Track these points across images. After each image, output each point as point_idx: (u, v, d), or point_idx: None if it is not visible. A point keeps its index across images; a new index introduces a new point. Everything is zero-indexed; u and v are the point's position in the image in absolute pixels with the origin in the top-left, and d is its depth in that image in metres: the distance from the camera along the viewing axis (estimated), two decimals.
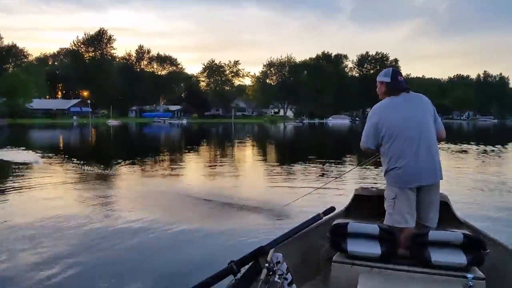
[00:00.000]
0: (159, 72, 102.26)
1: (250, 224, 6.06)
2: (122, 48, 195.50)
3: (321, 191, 8.49)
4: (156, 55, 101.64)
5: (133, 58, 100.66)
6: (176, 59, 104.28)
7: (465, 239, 2.62)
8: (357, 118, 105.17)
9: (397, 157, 3.06)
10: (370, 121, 3.19)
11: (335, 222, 2.98)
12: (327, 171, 12.61)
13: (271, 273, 2.41)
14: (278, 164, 15.37)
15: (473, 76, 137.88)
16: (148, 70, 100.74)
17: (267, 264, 2.44)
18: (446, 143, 22.78)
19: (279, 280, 2.40)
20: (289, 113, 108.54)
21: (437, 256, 2.61)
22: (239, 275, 2.30)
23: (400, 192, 3.07)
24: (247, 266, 2.45)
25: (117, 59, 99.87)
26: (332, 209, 2.98)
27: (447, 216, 3.43)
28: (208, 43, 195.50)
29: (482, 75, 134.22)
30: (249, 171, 13.13)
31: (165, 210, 6.92)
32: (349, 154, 18.10)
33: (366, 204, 4.05)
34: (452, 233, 2.73)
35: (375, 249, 2.75)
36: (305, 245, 3.40)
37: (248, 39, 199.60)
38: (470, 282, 2.45)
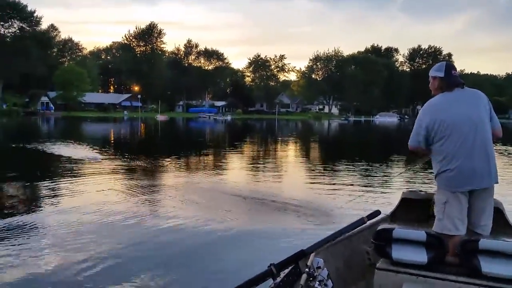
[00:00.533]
0: (206, 67, 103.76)
1: (292, 226, 6.01)
2: (170, 42, 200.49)
3: (367, 195, 8.33)
4: (203, 50, 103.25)
5: (181, 52, 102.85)
6: (222, 54, 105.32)
7: None
8: (406, 116, 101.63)
9: (450, 158, 2.88)
10: (421, 119, 3.02)
11: (380, 227, 2.88)
12: (373, 174, 12.26)
13: (311, 278, 2.37)
14: (322, 164, 15.20)
15: None
16: (195, 64, 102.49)
17: (307, 269, 2.38)
18: (503, 144, 21.59)
19: (319, 287, 2.36)
20: (334, 110, 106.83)
21: (488, 266, 2.48)
22: (278, 279, 2.27)
23: (452, 196, 2.89)
24: (287, 270, 2.41)
25: (167, 54, 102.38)
26: (377, 212, 2.88)
27: (501, 224, 3.25)
28: (253, 37, 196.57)
29: None
30: (292, 171, 13.02)
31: (211, 208, 7.01)
32: (397, 155, 17.51)
33: (414, 208, 3.91)
34: (506, 243, 2.57)
35: (421, 256, 2.64)
36: (348, 250, 3.31)
37: (294, 32, 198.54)
38: None
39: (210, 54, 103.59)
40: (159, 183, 9.72)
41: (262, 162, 14.84)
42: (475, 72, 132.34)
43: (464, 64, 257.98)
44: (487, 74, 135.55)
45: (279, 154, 19.16)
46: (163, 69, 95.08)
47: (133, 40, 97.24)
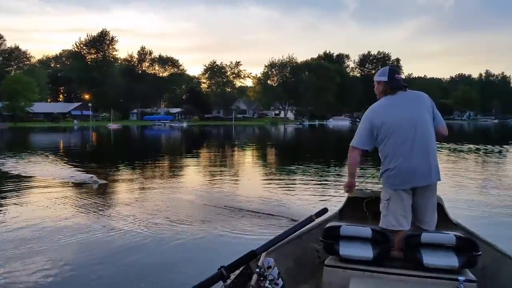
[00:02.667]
0: (161, 74, 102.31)
1: (246, 228, 6.05)
2: (123, 49, 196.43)
3: (318, 194, 8.56)
4: (158, 57, 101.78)
5: (135, 59, 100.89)
6: (177, 60, 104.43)
7: (458, 241, 2.59)
8: (357, 119, 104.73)
9: (390, 158, 2.98)
10: (364, 121, 3.11)
11: (328, 225, 2.94)
12: (325, 174, 12.58)
13: (262, 278, 2.39)
14: (276, 167, 15.40)
15: (475, 75, 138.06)
16: (149, 72, 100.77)
17: (258, 269, 2.41)
18: (446, 143, 22.77)
19: (269, 286, 2.38)
20: (290, 115, 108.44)
21: (429, 259, 2.59)
22: (228, 281, 2.22)
23: (394, 194, 3.00)
24: (237, 272, 2.41)
25: (119, 61, 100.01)
26: (324, 210, 2.83)
27: (440, 218, 3.38)
28: (209, 44, 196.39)
29: (484, 74, 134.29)
30: (248, 175, 13.07)
31: (167, 215, 6.90)
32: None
33: (360, 206, 4.00)
34: (445, 235, 2.69)
35: (367, 252, 2.72)
36: (298, 249, 3.37)
37: (249, 40, 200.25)
38: (461, 285, 2.44)
39: (165, 61, 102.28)
40: (112, 192, 9.45)
41: (218, 167, 14.81)
42: (422, 76, 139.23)
43: (412, 68, 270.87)
44: (434, 77, 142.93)
45: (236, 159, 19.18)
46: (116, 76, 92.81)
47: (84, 47, 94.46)
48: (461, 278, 2.47)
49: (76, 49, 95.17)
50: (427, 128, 2.97)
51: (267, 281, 2.37)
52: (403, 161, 2.93)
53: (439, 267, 2.57)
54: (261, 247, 2.37)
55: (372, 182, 4.86)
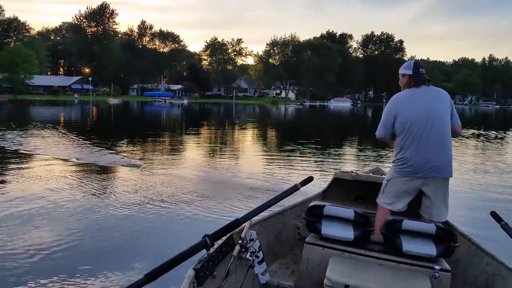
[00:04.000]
0: (161, 49, 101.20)
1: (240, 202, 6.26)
2: (123, 23, 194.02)
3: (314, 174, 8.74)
4: (158, 32, 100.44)
5: (135, 34, 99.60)
6: (178, 36, 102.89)
7: (438, 231, 2.64)
8: (359, 101, 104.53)
9: (406, 148, 3.10)
10: (387, 111, 3.22)
11: (312, 204, 2.97)
12: (323, 155, 12.75)
13: (243, 249, 2.46)
14: (275, 147, 15.57)
15: (479, 59, 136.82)
16: (150, 47, 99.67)
17: (240, 241, 2.47)
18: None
19: (250, 258, 2.45)
20: (291, 95, 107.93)
21: (409, 246, 2.63)
22: (212, 250, 2.29)
23: (396, 176, 3.17)
24: (221, 241, 2.47)
25: (119, 35, 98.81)
26: (310, 178, 2.88)
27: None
28: (210, 19, 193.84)
29: (487, 59, 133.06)
30: (246, 154, 13.23)
31: (165, 190, 7.08)
32: (349, 137, 18.20)
33: (345, 188, 4.16)
34: (426, 224, 2.74)
35: (348, 233, 2.75)
36: (279, 224, 3.46)
37: (251, 16, 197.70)
38: (436, 274, 2.51)
39: (166, 36, 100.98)
40: (111, 169, 9.60)
41: (218, 145, 14.96)
42: (425, 58, 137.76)
43: (414, 51, 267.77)
44: (436, 60, 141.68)
45: (236, 137, 19.29)
46: (116, 51, 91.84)
47: (83, 20, 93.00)
48: (437, 267, 2.53)
49: (76, 22, 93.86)
50: (444, 124, 3.07)
51: (248, 253, 2.46)
52: (418, 152, 3.05)
53: (417, 255, 2.62)
54: (246, 215, 2.41)
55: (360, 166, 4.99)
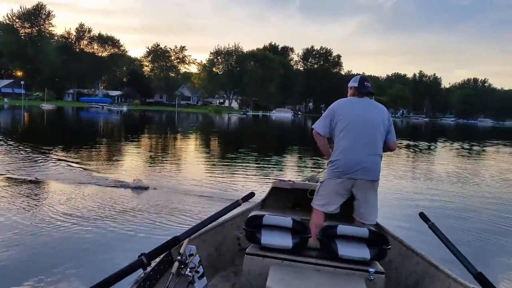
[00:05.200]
0: (100, 54, 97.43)
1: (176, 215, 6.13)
2: (61, 25, 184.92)
3: (254, 182, 8.88)
4: (97, 35, 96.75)
5: (72, 37, 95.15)
6: (118, 40, 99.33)
7: (370, 235, 2.73)
8: (299, 112, 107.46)
9: (340, 149, 3.30)
10: (328, 109, 3.46)
11: (251, 214, 2.98)
12: (264, 164, 12.95)
13: (182, 266, 2.39)
14: (217, 156, 15.55)
15: (410, 75, 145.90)
16: (88, 50, 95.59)
17: (179, 257, 2.42)
18: None
19: (190, 274, 2.39)
20: (234, 104, 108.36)
21: (344, 250, 2.70)
22: (148, 269, 2.21)
23: (328, 179, 3.34)
24: (158, 259, 2.39)
25: (56, 37, 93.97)
26: (251, 194, 2.92)
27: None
28: (153, 25, 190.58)
29: (418, 74, 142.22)
30: (187, 163, 13.10)
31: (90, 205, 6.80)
32: (290, 146, 18.62)
33: (283, 196, 4.25)
34: (359, 228, 2.84)
35: (287, 241, 2.78)
36: (220, 236, 3.44)
37: (196, 24, 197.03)
38: (371, 276, 2.59)
39: (105, 40, 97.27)
40: (38, 178, 9.10)
41: (157, 155, 14.67)
42: (361, 73, 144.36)
43: (351, 65, 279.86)
44: (371, 75, 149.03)
45: (177, 146, 19.00)
46: (51, 53, 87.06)
47: (16, 20, 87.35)
48: (371, 269, 2.62)
49: (7, 22, 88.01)
50: (376, 132, 3.32)
51: (188, 269, 2.38)
52: (349, 154, 3.26)
53: (352, 259, 2.69)
54: (185, 232, 2.36)
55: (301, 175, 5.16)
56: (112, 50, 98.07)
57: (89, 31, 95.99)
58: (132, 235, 5.23)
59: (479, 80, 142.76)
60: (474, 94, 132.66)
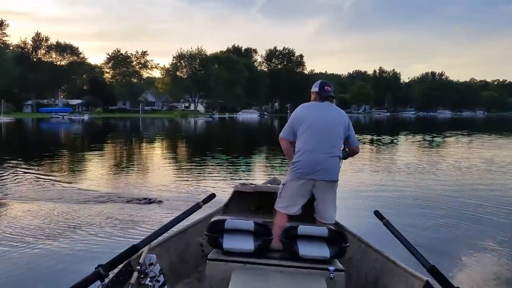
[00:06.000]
0: (59, 62, 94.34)
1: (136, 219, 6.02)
2: (16, 35, 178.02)
3: (220, 185, 8.92)
4: (55, 44, 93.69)
5: (29, 46, 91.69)
6: (77, 48, 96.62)
7: (330, 233, 2.79)
8: (265, 113, 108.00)
9: (302, 151, 3.40)
10: (292, 115, 3.62)
11: (213, 219, 2.97)
12: (230, 166, 12.99)
13: (142, 275, 2.33)
14: (182, 161, 15.45)
15: (370, 71, 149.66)
16: (46, 59, 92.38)
17: (138, 267, 2.36)
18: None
19: (150, 283, 2.33)
20: (200, 107, 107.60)
21: (304, 250, 2.74)
22: (107, 280, 2.13)
23: (290, 180, 3.44)
24: (117, 270, 2.32)
25: (11, 47, 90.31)
26: (212, 196, 2.89)
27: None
28: (112, 31, 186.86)
29: (378, 71, 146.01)
30: (151, 170, 12.95)
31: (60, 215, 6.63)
32: (257, 147, 18.73)
33: (246, 200, 4.28)
34: (319, 228, 2.91)
35: (249, 244, 2.78)
36: (181, 243, 3.41)
37: (157, 29, 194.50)
38: (331, 274, 2.64)
39: (63, 49, 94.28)
40: None
41: (122, 163, 14.42)
42: (323, 72, 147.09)
43: (314, 64, 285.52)
44: (333, 73, 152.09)
45: (142, 153, 18.72)
46: (7, 64, 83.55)
47: None
48: (331, 268, 2.67)
49: None
50: (335, 135, 3.47)
51: (148, 278, 2.32)
52: (309, 154, 3.37)
53: (313, 258, 2.74)
54: (144, 240, 2.30)
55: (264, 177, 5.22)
56: (71, 58, 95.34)
57: (46, 39, 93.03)
58: (93, 249, 5.03)
59: (437, 73, 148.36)
60: (433, 87, 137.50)
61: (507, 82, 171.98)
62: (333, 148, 3.42)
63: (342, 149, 3.64)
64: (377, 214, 3.14)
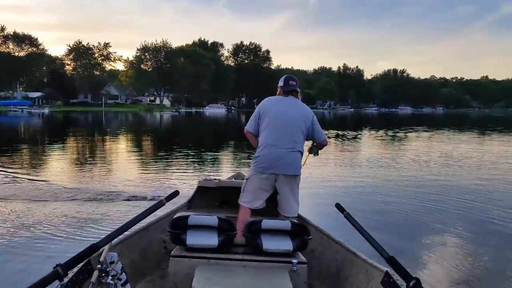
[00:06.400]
0: (17, 53, 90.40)
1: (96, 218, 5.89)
2: None
3: (185, 180, 8.84)
4: (12, 34, 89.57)
5: None
6: (36, 39, 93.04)
7: (293, 227, 2.83)
8: (232, 108, 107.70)
9: (263, 146, 3.42)
10: (256, 109, 3.63)
11: (176, 215, 2.95)
12: (195, 161, 12.90)
13: (103, 274, 2.30)
14: (145, 157, 15.20)
15: (335, 68, 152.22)
16: (2, 50, 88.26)
17: (99, 265, 2.32)
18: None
19: (112, 282, 2.30)
20: (166, 102, 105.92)
21: (268, 244, 2.78)
22: (66, 280, 2.09)
23: (253, 175, 3.45)
24: (76, 269, 2.28)
25: None
26: (175, 193, 2.85)
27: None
28: (74, 22, 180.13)
29: (342, 67, 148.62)
30: (110, 165, 12.67)
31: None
32: (225, 141, 18.64)
33: (210, 195, 4.26)
34: (282, 222, 2.94)
35: (212, 240, 2.78)
36: (145, 240, 3.38)
37: (120, 20, 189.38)
38: (294, 267, 2.69)
39: (21, 39, 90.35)
40: None
41: (83, 158, 14.00)
42: (290, 67, 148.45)
43: (280, 60, 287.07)
44: (300, 69, 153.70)
45: (104, 148, 18.25)
46: None
47: None
48: (294, 260, 2.72)
49: None
50: (297, 130, 3.46)
51: (109, 277, 2.30)
52: (270, 149, 3.39)
53: (276, 251, 2.78)
54: (104, 238, 2.27)
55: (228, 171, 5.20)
56: (30, 49, 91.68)
57: (3, 29, 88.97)
58: (51, 249, 4.82)
59: (399, 70, 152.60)
60: (394, 84, 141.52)
61: (464, 79, 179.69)
62: (294, 143, 3.43)
63: (313, 145, 3.72)
64: (338, 206, 3.21)
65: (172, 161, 12.87)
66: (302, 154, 3.51)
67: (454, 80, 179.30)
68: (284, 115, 3.47)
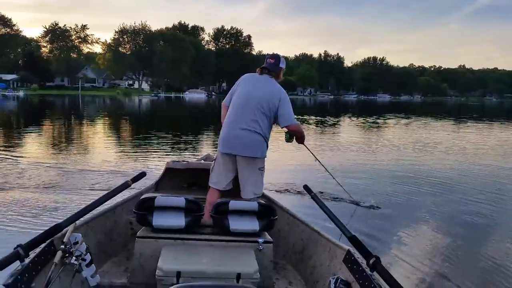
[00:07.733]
0: None
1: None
2: None
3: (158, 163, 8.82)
4: None
5: None
6: (10, 19, 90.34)
7: (260, 208, 2.87)
8: (213, 93, 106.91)
9: (224, 123, 3.41)
10: (234, 85, 3.56)
11: (143, 197, 2.94)
12: (171, 145, 12.85)
13: (67, 254, 2.29)
14: (121, 142, 15.04)
15: (316, 55, 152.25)
16: None
17: (62, 246, 2.29)
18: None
19: (76, 262, 2.30)
20: (145, 86, 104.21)
21: (235, 224, 2.81)
22: (27, 260, 2.07)
23: (220, 155, 3.44)
24: (39, 250, 2.25)
25: None
26: (142, 174, 2.90)
27: None
28: (50, 2, 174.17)
29: (323, 54, 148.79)
30: (85, 148, 12.50)
31: None
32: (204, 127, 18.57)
33: (178, 176, 4.26)
34: (249, 202, 2.99)
35: (179, 221, 2.79)
36: (111, 222, 3.38)
37: (98, 2, 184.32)
38: (260, 246, 2.75)
39: None
40: None
41: (53, 141, 13.75)
42: (271, 53, 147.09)
43: (261, 46, 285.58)
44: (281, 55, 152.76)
45: (81, 132, 17.91)
46: None
47: None
48: (260, 240, 2.78)
49: None
50: (259, 110, 3.30)
51: (73, 257, 2.30)
52: (229, 126, 3.34)
53: (243, 231, 2.82)
54: (68, 219, 2.28)
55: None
56: (3, 30, 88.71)
57: None
58: (13, 231, 4.75)
59: (378, 58, 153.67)
60: (374, 72, 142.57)
61: (442, 68, 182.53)
62: (255, 124, 3.29)
63: (286, 131, 3.53)
64: (306, 188, 3.28)
65: (145, 145, 12.81)
66: (264, 137, 3.38)
67: (432, 69, 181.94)
68: (247, 94, 3.36)
